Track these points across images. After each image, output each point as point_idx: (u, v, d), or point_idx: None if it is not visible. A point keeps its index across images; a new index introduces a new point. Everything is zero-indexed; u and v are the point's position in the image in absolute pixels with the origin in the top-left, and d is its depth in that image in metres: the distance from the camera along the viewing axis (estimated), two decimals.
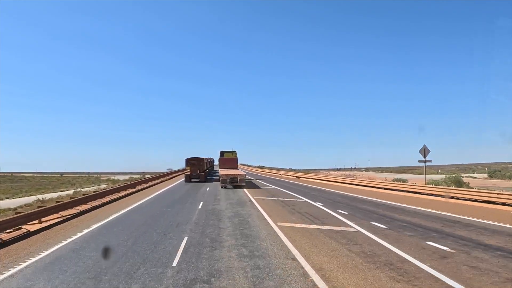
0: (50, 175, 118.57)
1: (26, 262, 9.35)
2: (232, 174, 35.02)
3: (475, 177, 64.61)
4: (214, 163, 73.18)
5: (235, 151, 45.69)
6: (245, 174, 37.31)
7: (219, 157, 46.10)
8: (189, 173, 44.77)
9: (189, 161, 45.08)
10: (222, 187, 34.35)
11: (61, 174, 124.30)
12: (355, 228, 13.20)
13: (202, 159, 46.25)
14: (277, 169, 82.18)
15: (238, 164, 46.81)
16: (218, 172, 43.89)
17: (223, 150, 45.96)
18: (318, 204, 20.78)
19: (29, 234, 13.07)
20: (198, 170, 44.50)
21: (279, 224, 14.27)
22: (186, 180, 44.05)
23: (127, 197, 27.08)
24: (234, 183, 34.26)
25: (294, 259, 9.16)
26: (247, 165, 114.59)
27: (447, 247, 10.07)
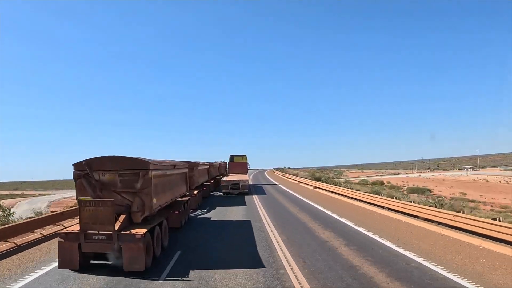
0: None
1: None
2: (233, 180, 31.30)
3: None
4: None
5: (245, 155, 41.96)
6: (247, 180, 33.35)
7: (228, 161, 41.90)
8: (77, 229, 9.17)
9: (78, 171, 9.60)
10: (224, 193, 31.14)
11: None
12: None
13: (167, 164, 12.79)
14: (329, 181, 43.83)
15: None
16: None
17: (233, 154, 41.93)
18: None
19: None
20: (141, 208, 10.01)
21: None
22: (61, 266, 9.11)
23: None
24: (236, 189, 30.69)
25: None
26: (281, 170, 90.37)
27: None
